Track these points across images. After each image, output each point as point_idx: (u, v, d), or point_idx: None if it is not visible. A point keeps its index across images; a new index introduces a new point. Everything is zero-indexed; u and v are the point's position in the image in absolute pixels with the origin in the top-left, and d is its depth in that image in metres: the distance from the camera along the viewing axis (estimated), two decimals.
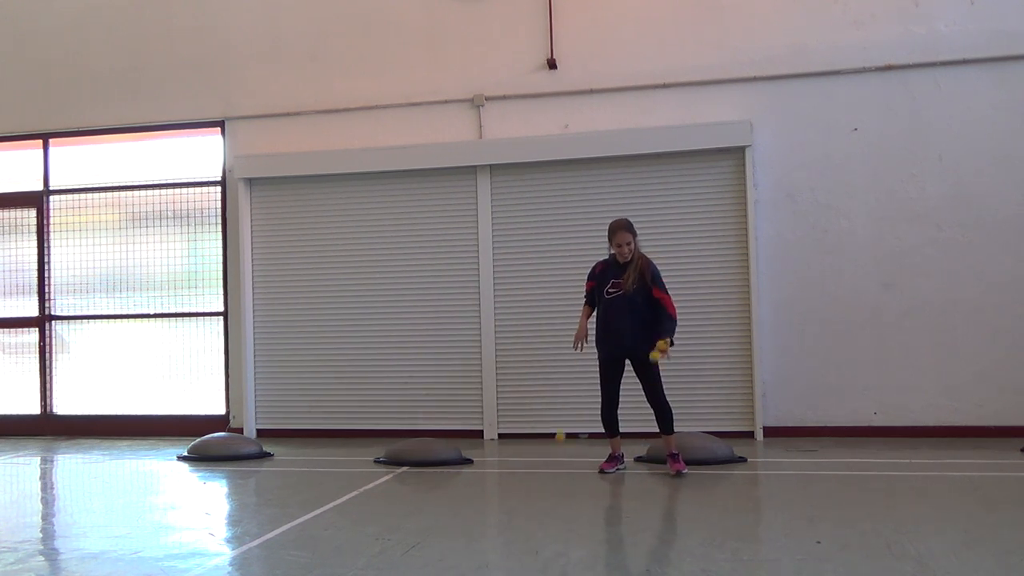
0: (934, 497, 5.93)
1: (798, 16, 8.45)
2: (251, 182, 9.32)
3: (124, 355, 9.79)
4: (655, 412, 6.72)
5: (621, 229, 6.72)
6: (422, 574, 4.38)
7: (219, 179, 9.56)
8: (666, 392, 6.68)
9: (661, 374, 6.69)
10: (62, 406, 9.88)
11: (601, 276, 6.83)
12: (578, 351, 6.91)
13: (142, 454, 8.47)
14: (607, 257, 6.94)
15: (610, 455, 6.92)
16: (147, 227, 9.72)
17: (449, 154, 8.87)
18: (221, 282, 9.49)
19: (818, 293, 8.30)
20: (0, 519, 6.08)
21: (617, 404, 6.86)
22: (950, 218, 8.12)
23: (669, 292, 6.69)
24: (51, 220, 9.95)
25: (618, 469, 6.87)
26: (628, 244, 6.69)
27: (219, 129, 9.55)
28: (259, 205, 9.33)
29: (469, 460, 7.41)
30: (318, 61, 9.34)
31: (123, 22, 9.77)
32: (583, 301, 7.04)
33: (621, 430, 6.87)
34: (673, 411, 6.72)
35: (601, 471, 6.80)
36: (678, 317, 6.70)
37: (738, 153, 8.32)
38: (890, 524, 5.08)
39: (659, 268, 6.79)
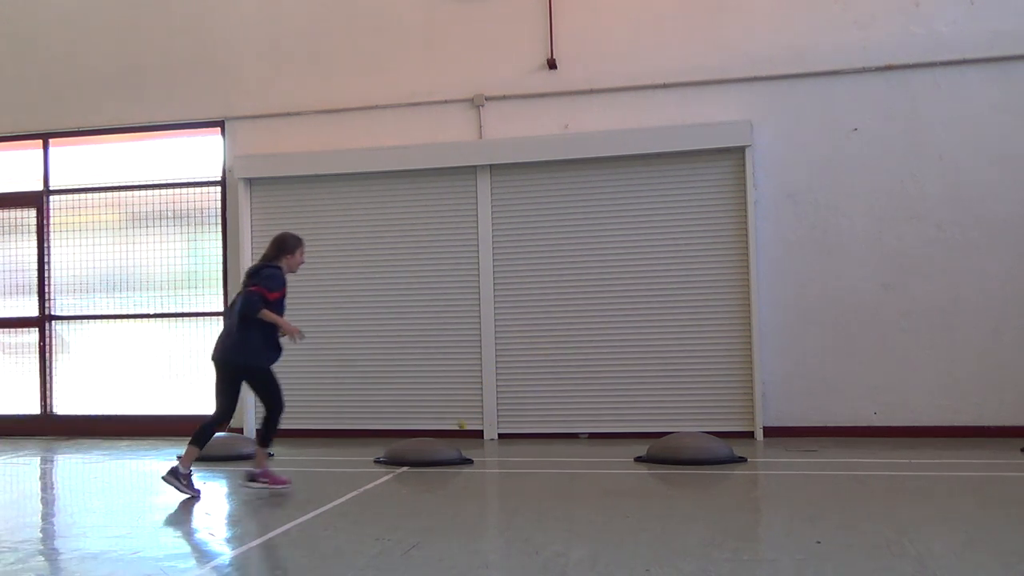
0: (934, 497, 5.93)
1: (798, 16, 8.45)
2: (251, 182, 9.31)
3: (124, 355, 9.79)
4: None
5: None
6: (422, 574, 4.38)
7: (219, 179, 9.56)
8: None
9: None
10: (62, 406, 9.89)
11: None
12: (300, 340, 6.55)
13: (142, 454, 8.47)
14: (279, 266, 6.52)
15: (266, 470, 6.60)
16: (147, 227, 9.73)
17: (449, 154, 8.87)
18: (221, 282, 9.49)
19: (818, 293, 8.30)
20: (0, 519, 6.08)
21: None
22: (950, 218, 8.12)
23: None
24: (51, 220, 9.95)
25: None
26: None
27: (219, 129, 9.55)
28: (259, 205, 9.32)
29: (469, 460, 7.41)
30: (318, 61, 9.34)
31: (123, 22, 9.78)
32: (261, 308, 6.30)
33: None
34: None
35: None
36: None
37: (738, 153, 8.32)
38: (890, 524, 5.07)
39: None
